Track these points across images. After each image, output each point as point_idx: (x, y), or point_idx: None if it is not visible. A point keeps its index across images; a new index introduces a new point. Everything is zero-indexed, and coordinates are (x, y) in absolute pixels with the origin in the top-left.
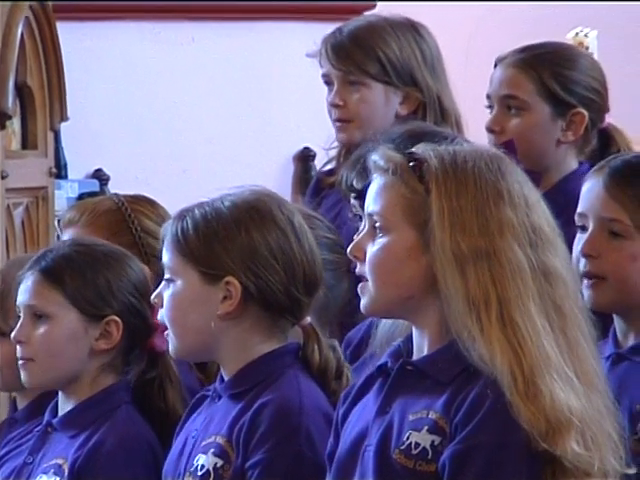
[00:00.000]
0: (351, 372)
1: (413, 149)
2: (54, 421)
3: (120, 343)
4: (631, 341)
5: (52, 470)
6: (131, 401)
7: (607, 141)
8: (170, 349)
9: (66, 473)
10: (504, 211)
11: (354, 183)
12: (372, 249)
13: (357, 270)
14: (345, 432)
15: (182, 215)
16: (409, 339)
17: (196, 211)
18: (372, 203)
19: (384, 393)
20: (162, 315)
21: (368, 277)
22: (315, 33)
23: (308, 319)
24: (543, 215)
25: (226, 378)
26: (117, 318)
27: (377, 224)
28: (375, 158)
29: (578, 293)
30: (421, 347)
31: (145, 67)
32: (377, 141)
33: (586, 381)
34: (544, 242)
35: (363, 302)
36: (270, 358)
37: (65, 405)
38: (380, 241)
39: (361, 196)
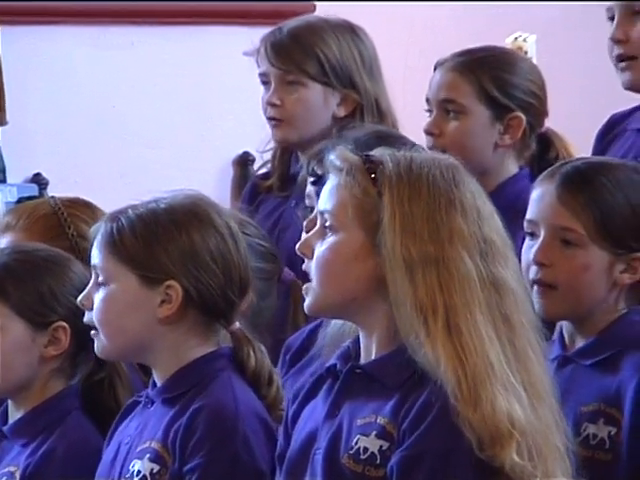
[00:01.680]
0: (281, 379)
1: (372, 152)
2: (4, 429)
3: (69, 347)
4: (578, 344)
5: (4, 478)
6: (80, 406)
7: (546, 145)
8: (97, 349)
9: None
10: (455, 220)
11: (315, 168)
12: (320, 248)
13: (304, 266)
14: (295, 433)
15: (115, 217)
16: (357, 340)
17: (130, 212)
18: (324, 201)
19: (333, 396)
20: (90, 317)
21: (313, 275)
22: (253, 37)
23: (237, 324)
24: (495, 227)
25: (158, 382)
26: (64, 323)
27: (327, 223)
28: (332, 157)
29: (528, 305)
30: (369, 350)
31: (84, 71)
32: (343, 137)
33: (534, 393)
34: (494, 253)
35: (306, 302)
36: (203, 362)
37: (15, 413)
38: (329, 240)
39: (319, 182)
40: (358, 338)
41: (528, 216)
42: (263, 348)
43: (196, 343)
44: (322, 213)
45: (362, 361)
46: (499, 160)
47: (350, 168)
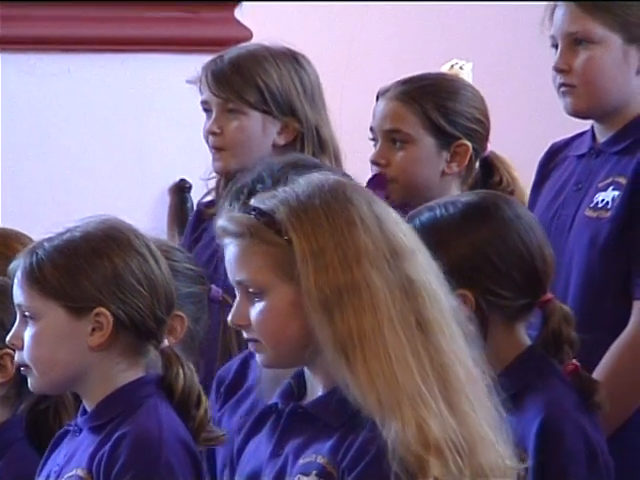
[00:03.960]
0: (216, 413)
1: (256, 204)
2: None
3: (15, 376)
4: None
5: None
6: (25, 436)
7: (489, 170)
8: (31, 385)
9: None
10: (359, 238)
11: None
12: (254, 314)
13: (245, 336)
14: (239, 469)
15: (32, 252)
16: (299, 376)
17: (47, 245)
18: (236, 272)
19: (277, 436)
20: (22, 356)
21: (260, 340)
22: (190, 65)
23: (166, 342)
24: (397, 226)
25: (88, 409)
26: (11, 351)
27: (250, 290)
28: (224, 224)
29: (441, 293)
30: (315, 388)
31: (21, 98)
32: (257, 171)
33: (452, 391)
34: (401, 254)
35: (260, 359)
36: (131, 389)
37: None
38: (259, 305)
39: None
40: (299, 373)
41: None
42: (192, 367)
43: (125, 367)
44: (240, 283)
45: (308, 398)
46: (445, 188)
47: (249, 229)
